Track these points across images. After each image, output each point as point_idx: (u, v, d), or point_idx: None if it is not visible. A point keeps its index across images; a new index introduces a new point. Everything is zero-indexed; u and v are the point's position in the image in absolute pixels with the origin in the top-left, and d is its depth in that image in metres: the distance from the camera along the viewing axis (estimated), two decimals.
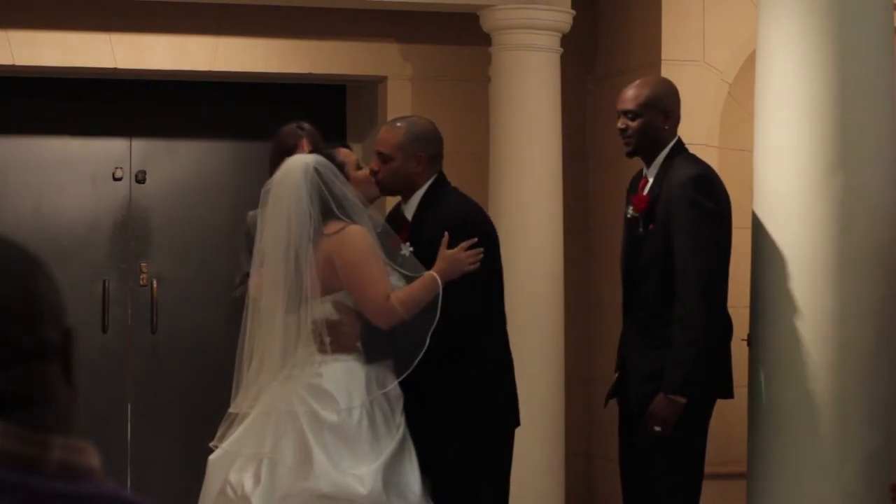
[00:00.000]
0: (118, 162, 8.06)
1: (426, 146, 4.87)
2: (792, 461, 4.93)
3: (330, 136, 5.77)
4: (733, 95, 7.33)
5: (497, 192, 7.07)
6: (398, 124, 4.95)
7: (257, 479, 4.59)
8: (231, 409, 4.75)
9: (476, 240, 4.70)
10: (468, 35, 7.54)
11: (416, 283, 4.67)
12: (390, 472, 4.58)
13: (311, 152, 5.04)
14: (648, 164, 5.16)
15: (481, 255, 4.70)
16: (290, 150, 5.29)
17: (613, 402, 5.29)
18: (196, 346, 7.95)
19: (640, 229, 5.08)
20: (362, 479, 4.51)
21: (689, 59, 7.22)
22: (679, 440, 4.94)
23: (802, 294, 4.92)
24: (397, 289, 4.68)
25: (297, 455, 4.56)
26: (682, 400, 4.89)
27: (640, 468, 5.08)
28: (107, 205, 8.03)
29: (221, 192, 8.08)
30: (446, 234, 4.69)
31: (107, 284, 7.95)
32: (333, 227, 4.68)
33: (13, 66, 7.39)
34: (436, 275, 4.65)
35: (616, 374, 5.24)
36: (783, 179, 4.97)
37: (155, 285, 8.02)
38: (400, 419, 4.68)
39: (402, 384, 4.76)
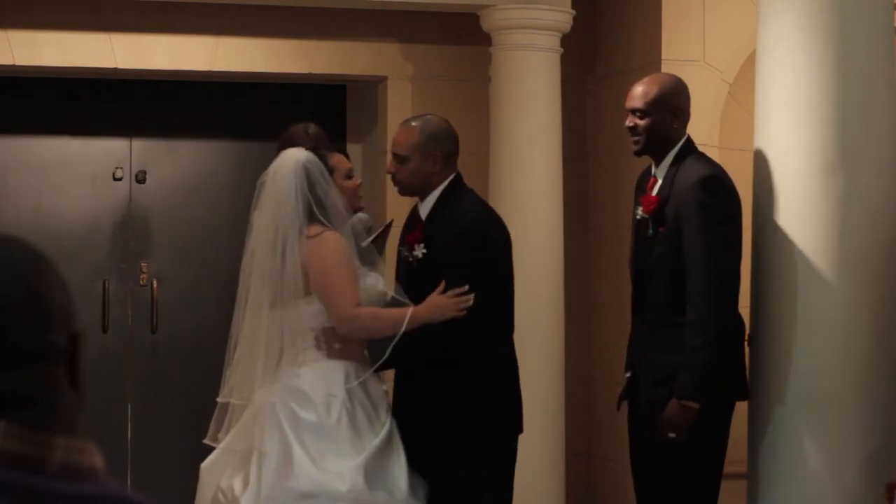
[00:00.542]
0: (118, 162, 8.06)
1: (441, 144, 4.87)
2: (792, 461, 4.93)
3: (330, 136, 5.77)
4: (733, 95, 7.32)
5: (497, 192, 7.06)
6: (413, 124, 4.95)
7: (246, 482, 4.62)
8: (218, 399, 4.80)
9: (466, 287, 4.68)
10: (468, 35, 7.53)
11: (392, 312, 4.70)
12: (374, 468, 4.58)
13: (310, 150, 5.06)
14: (657, 163, 5.10)
15: (469, 304, 4.67)
16: None
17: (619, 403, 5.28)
18: (196, 346, 7.94)
19: (650, 231, 5.03)
20: (342, 476, 4.52)
21: (689, 59, 7.22)
22: (691, 445, 4.90)
23: (802, 294, 4.92)
24: (374, 306, 4.72)
25: (280, 454, 4.59)
26: (695, 405, 4.85)
27: (650, 471, 5.06)
28: (107, 205, 8.02)
29: (221, 192, 8.07)
30: (443, 282, 4.68)
31: (107, 284, 7.95)
32: (314, 230, 4.72)
33: (13, 66, 7.38)
34: (410, 315, 4.65)
35: (627, 375, 5.19)
36: (783, 179, 4.96)
37: (155, 285, 8.01)
38: (385, 419, 4.69)
39: (401, 390, 4.77)
